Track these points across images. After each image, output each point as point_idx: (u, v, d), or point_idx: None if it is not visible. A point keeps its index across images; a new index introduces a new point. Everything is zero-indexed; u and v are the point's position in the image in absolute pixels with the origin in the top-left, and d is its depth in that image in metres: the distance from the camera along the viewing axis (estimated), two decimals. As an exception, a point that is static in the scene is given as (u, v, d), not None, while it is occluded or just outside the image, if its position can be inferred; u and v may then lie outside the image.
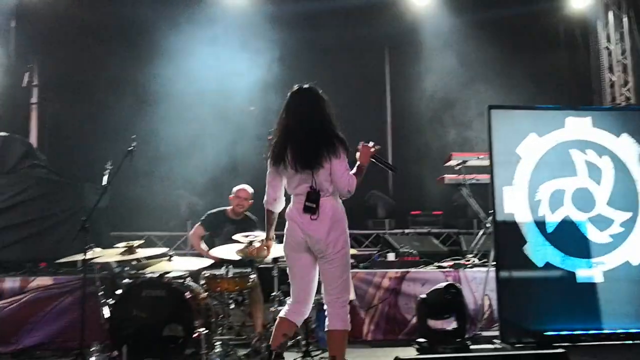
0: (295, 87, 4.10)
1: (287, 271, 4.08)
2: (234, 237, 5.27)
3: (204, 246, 5.99)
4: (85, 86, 8.67)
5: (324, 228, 3.82)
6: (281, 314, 4.02)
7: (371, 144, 4.14)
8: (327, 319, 3.92)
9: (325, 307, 3.94)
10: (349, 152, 3.94)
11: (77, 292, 5.67)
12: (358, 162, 4.09)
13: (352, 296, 5.42)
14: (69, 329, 5.64)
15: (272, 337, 3.98)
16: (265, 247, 4.22)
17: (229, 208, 6.11)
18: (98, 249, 5.25)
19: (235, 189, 6.14)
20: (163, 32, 8.54)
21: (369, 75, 10.08)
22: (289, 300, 4.05)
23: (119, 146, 6.15)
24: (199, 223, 6.16)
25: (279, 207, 4.04)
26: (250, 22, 8.90)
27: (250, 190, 6.12)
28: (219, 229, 6.01)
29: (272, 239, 4.17)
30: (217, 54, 8.98)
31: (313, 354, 5.17)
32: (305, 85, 4.09)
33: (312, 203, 3.80)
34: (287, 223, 3.95)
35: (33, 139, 8.40)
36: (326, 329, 3.92)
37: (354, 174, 3.95)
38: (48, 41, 8.56)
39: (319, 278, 4.00)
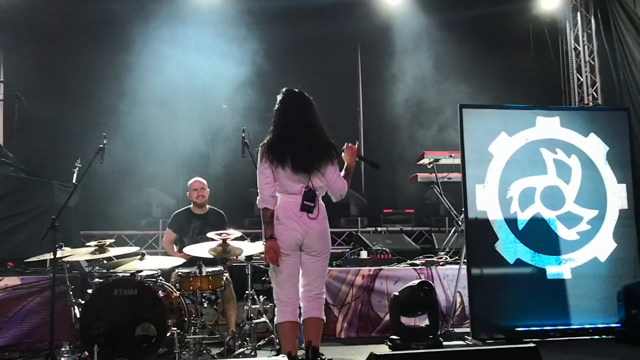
0: (287, 89, 4.20)
1: (272, 271, 4.11)
2: (208, 234, 5.23)
3: (176, 250, 5.94)
4: (54, 82, 8.52)
5: (321, 226, 4.04)
6: (283, 319, 4.05)
7: (356, 144, 4.30)
8: (303, 308, 4.08)
9: (306, 301, 4.07)
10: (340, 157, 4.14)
11: (46, 292, 5.57)
12: (346, 164, 4.24)
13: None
14: (37, 330, 5.54)
15: (284, 343, 4.05)
16: (270, 249, 4.05)
17: (192, 205, 6.07)
18: (67, 248, 5.16)
19: (188, 183, 6.10)
20: (135, 28, 8.43)
21: (342, 72, 10.10)
22: (280, 305, 4.08)
23: (88, 143, 6.08)
24: (168, 227, 6.11)
25: (274, 203, 4.06)
26: (223, 17, 8.84)
27: (203, 180, 6.08)
28: (187, 227, 5.97)
29: (275, 238, 4.06)
30: (190, 50, 8.93)
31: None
32: (296, 89, 4.20)
33: (310, 202, 3.97)
34: (277, 221, 4.00)
35: (0, 136, 8.21)
36: (303, 318, 4.07)
37: (344, 176, 4.15)
38: (16, 35, 8.38)
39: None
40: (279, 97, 4.18)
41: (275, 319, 4.21)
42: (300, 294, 4.11)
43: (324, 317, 4.13)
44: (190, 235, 5.91)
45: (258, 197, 4.08)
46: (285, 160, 3.97)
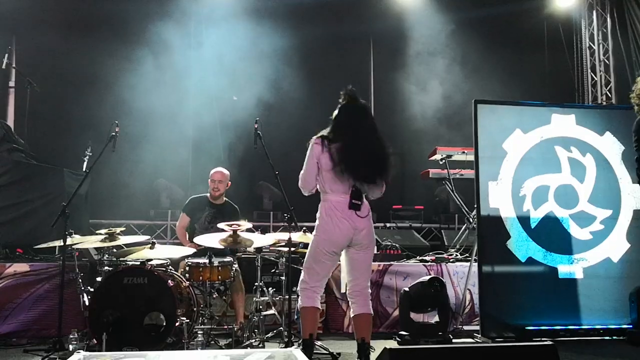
0: (349, 90, 4.22)
1: (312, 261, 4.17)
2: (219, 225, 5.21)
3: (187, 239, 5.92)
4: (65, 69, 8.50)
5: (367, 222, 4.14)
6: (309, 304, 4.16)
7: None
8: (354, 304, 4.20)
9: (353, 295, 4.19)
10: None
11: (55, 279, 5.56)
12: None
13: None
14: (46, 317, 5.54)
15: (306, 326, 4.15)
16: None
17: (209, 194, 6.06)
18: (77, 236, 5.15)
19: (211, 172, 6.08)
20: (145, 20, 8.40)
21: (354, 68, 10.06)
22: (307, 291, 4.16)
23: (99, 132, 6.06)
24: (182, 212, 6.10)
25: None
26: (236, 14, 8.80)
27: (226, 172, 6.05)
28: (200, 213, 5.96)
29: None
30: (202, 44, 8.90)
31: (296, 344, 5.13)
32: (359, 101, 4.24)
33: (358, 200, 4.07)
34: (330, 219, 4.07)
35: (11, 123, 8.20)
36: (354, 314, 4.20)
37: None
38: (28, 23, 8.37)
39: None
40: (341, 97, 4.22)
41: (300, 302, 4.26)
42: (347, 289, 4.27)
43: (372, 312, 4.23)
44: (202, 222, 5.91)
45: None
46: (348, 166, 4.01)
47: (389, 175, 4.16)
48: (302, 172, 4.17)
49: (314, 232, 4.20)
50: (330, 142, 4.07)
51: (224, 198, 6.06)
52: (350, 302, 4.25)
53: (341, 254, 4.22)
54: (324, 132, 4.15)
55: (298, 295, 4.35)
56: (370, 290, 4.28)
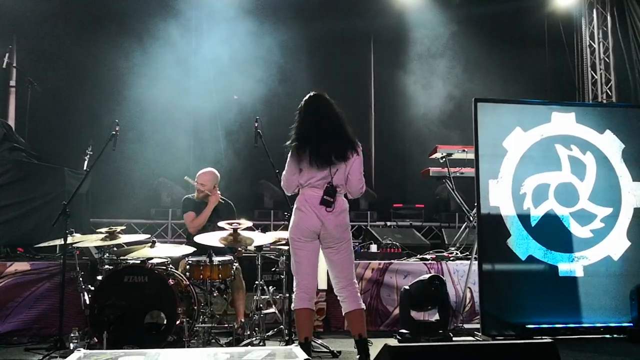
0: (309, 94, 4.38)
1: (292, 256, 4.26)
2: (219, 223, 5.21)
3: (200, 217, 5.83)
4: (66, 68, 8.51)
5: (337, 218, 4.18)
6: (299, 306, 4.20)
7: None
8: (343, 303, 4.24)
9: (339, 294, 4.25)
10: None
11: (56, 277, 5.56)
12: None
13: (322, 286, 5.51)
14: (47, 316, 5.54)
15: (300, 329, 4.21)
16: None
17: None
18: (78, 235, 5.15)
19: (199, 173, 5.95)
20: (146, 18, 8.40)
21: (354, 66, 10.06)
22: (297, 292, 4.21)
23: (100, 130, 6.06)
24: (187, 211, 5.93)
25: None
26: (237, 11, 8.80)
27: (211, 175, 5.91)
28: (199, 212, 5.88)
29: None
30: (202, 43, 8.90)
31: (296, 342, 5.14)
32: (314, 92, 4.38)
33: (329, 197, 4.14)
34: (299, 210, 4.19)
35: (12, 122, 8.21)
36: (346, 312, 4.25)
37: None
38: (29, 22, 8.37)
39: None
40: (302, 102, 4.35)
41: (292, 305, 4.28)
42: (335, 290, 4.30)
43: (364, 305, 4.25)
44: None
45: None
46: (311, 156, 4.13)
47: (345, 157, 4.17)
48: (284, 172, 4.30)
49: None
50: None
51: (221, 197, 5.98)
52: (340, 301, 4.27)
53: (315, 247, 4.22)
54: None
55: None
56: (357, 285, 4.30)
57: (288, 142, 4.27)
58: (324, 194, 4.14)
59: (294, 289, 4.25)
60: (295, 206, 4.27)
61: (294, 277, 4.27)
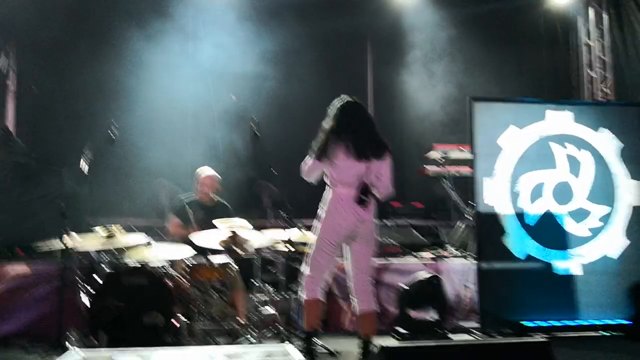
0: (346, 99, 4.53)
1: (315, 250, 4.30)
2: (215, 222, 5.22)
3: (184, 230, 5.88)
4: (64, 70, 8.50)
5: (370, 216, 4.32)
6: (312, 296, 4.25)
7: None
8: (359, 302, 4.29)
9: (358, 290, 4.31)
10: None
11: (54, 279, 5.55)
12: None
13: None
14: (46, 317, 5.53)
15: (310, 319, 4.26)
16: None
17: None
18: (76, 236, 5.16)
19: (199, 175, 5.98)
20: (145, 18, 8.40)
21: (351, 66, 10.04)
22: (310, 284, 4.27)
23: (98, 132, 6.06)
24: (171, 213, 6.00)
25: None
26: (231, 14, 8.80)
27: (217, 176, 5.95)
28: (189, 216, 5.90)
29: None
30: (198, 43, 8.89)
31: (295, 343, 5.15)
32: (352, 98, 4.59)
33: (365, 196, 4.22)
34: (335, 211, 4.23)
35: (10, 124, 8.21)
36: (360, 312, 4.29)
37: None
38: (27, 25, 8.36)
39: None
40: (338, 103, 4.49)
41: (304, 295, 4.32)
42: (351, 286, 4.37)
43: (378, 308, 4.39)
44: (194, 225, 5.87)
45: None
46: (344, 143, 4.22)
47: (380, 155, 4.32)
48: (308, 161, 4.34)
49: (318, 224, 4.29)
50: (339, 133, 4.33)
51: (216, 198, 6.02)
52: (354, 300, 4.30)
53: (341, 247, 4.30)
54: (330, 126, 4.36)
55: (300, 290, 4.39)
56: (373, 287, 4.38)
57: (324, 132, 4.33)
58: (359, 192, 4.21)
59: (305, 280, 4.29)
60: (328, 207, 4.29)
61: (310, 270, 4.30)
